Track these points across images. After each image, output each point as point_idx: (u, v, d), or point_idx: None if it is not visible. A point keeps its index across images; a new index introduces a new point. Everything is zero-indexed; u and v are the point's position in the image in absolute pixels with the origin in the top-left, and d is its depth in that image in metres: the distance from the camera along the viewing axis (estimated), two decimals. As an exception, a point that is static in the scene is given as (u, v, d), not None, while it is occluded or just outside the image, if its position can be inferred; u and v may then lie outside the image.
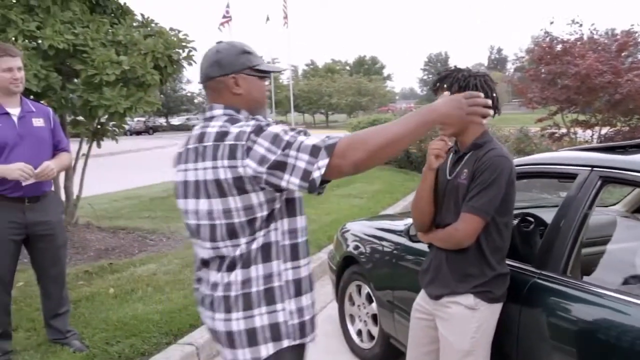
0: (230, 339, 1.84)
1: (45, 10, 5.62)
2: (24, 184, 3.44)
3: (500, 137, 11.23)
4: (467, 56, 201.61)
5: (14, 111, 3.54)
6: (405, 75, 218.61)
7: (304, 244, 1.91)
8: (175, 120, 61.15)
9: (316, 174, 1.64)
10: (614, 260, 2.93)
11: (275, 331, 1.83)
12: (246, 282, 1.80)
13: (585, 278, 2.44)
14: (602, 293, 2.16)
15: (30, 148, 3.53)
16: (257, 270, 1.81)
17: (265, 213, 1.78)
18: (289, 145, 1.67)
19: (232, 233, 1.79)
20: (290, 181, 1.67)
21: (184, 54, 6.24)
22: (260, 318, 1.81)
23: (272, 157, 1.66)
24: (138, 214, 9.53)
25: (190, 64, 6.42)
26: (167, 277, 5.57)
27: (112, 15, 6.73)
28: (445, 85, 2.31)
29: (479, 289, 2.32)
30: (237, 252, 1.80)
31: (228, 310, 1.82)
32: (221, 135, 1.75)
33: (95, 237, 6.96)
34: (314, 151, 1.65)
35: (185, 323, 4.43)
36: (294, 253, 1.87)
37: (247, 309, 1.81)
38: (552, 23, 13.60)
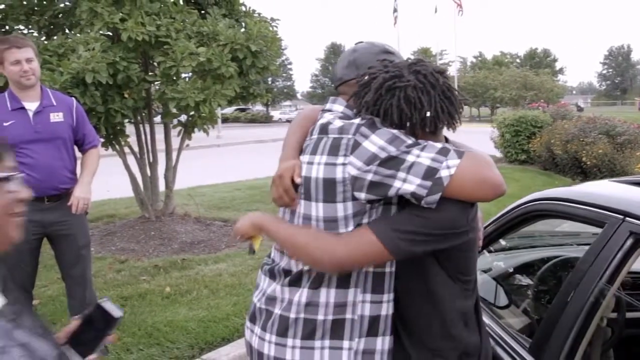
0: None
1: (132, 2, 5.61)
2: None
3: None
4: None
5: (31, 105, 3.41)
6: (583, 68, 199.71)
7: (391, 275, 1.53)
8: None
9: (444, 172, 1.37)
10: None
11: None
12: (311, 306, 1.51)
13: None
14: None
15: (45, 146, 3.39)
16: (327, 295, 1.50)
17: (349, 229, 1.46)
18: (410, 145, 1.41)
19: None
20: (407, 180, 1.38)
21: (267, 46, 5.90)
22: (321, 353, 1.50)
23: (385, 155, 1.39)
24: (249, 206, 9.49)
25: (281, 55, 6.09)
26: (231, 279, 5.31)
27: (215, 5, 6.63)
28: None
29: None
30: (306, 266, 1.52)
31: (282, 333, 1.53)
32: (325, 127, 1.53)
33: (185, 229, 6.95)
34: (443, 151, 1.40)
35: (217, 335, 4.11)
36: (378, 284, 1.52)
37: (307, 337, 1.50)
38: None
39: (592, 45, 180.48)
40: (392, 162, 1.39)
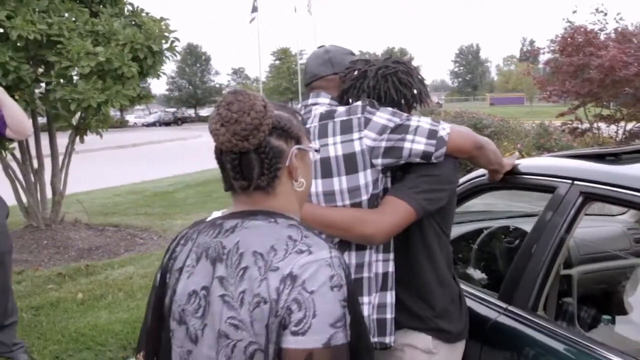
0: None
1: (18, -2, 5.31)
2: None
3: (519, 132, 10.64)
4: (499, 48, 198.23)
5: None
6: (436, 67, 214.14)
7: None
8: (204, 112, 61.71)
9: (443, 132, 1.71)
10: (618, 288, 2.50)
11: None
12: None
13: (566, 313, 2.01)
14: (577, 341, 1.73)
15: None
16: (349, 257, 1.73)
17: (368, 197, 1.71)
18: (409, 116, 1.74)
19: None
20: (416, 141, 1.69)
21: (167, 45, 5.89)
22: None
23: (393, 124, 1.69)
24: (135, 210, 9.27)
25: (174, 55, 6.10)
26: (143, 281, 5.25)
27: (100, 4, 6.43)
28: (350, 100, 1.83)
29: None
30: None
31: None
32: (328, 114, 1.75)
33: (79, 235, 6.67)
34: (435, 120, 1.76)
35: (148, 335, 4.09)
36: (386, 244, 1.77)
37: None
38: (575, 12, 12.78)
39: (443, 44, 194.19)
40: (399, 129, 1.70)
